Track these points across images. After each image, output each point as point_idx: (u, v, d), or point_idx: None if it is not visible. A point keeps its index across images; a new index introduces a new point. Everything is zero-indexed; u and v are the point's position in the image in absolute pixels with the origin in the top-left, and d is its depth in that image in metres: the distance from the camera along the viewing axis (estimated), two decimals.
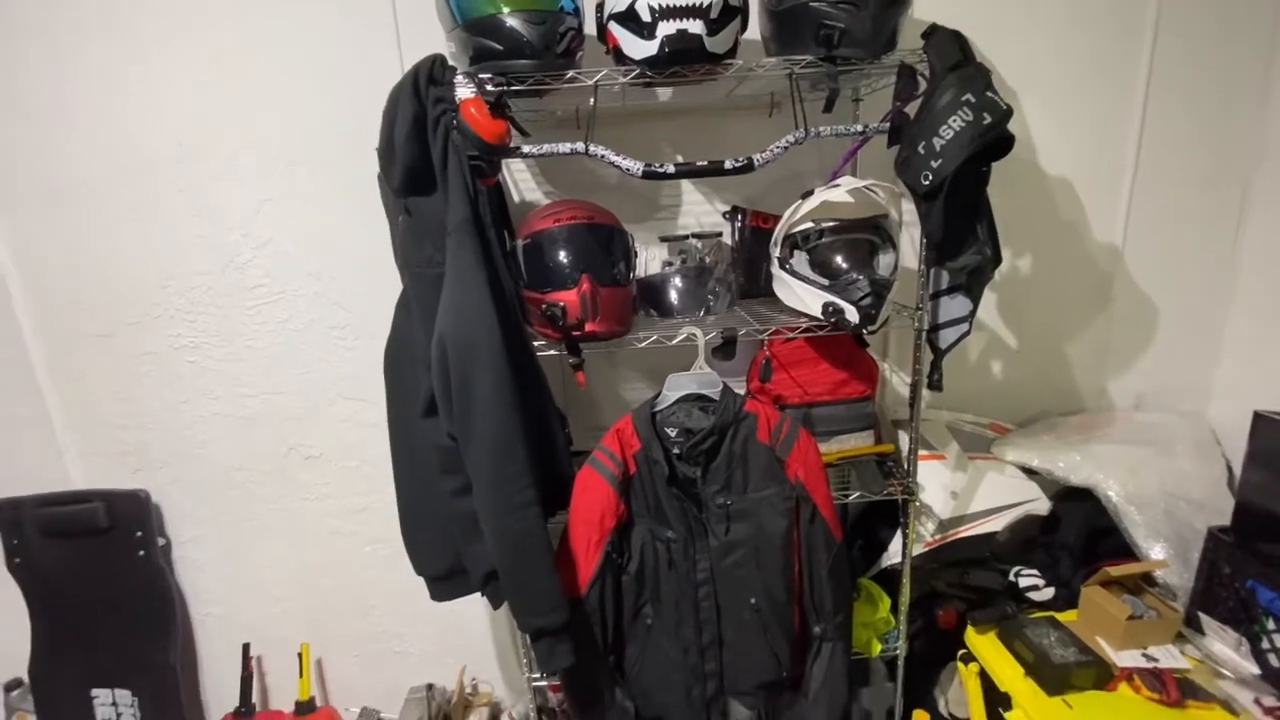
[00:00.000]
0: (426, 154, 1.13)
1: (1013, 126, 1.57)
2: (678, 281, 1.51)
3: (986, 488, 1.66)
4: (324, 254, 1.63)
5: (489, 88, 1.13)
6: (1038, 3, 1.56)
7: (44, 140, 1.56)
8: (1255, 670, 1.33)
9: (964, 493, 1.64)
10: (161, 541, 1.81)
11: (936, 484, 1.64)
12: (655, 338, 1.31)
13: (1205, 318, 1.78)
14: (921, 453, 1.68)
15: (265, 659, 1.95)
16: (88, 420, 1.74)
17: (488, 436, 1.10)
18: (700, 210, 1.68)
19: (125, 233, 1.61)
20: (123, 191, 1.59)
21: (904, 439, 1.71)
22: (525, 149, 1.22)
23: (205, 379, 1.73)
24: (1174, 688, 1.30)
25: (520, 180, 1.63)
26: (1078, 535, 1.71)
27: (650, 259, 1.65)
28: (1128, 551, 1.57)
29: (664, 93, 1.56)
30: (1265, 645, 1.32)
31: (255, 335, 1.69)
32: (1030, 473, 1.71)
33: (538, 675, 1.51)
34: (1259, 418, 1.32)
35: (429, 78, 1.11)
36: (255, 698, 1.89)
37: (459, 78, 1.14)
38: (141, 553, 1.75)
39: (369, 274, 1.60)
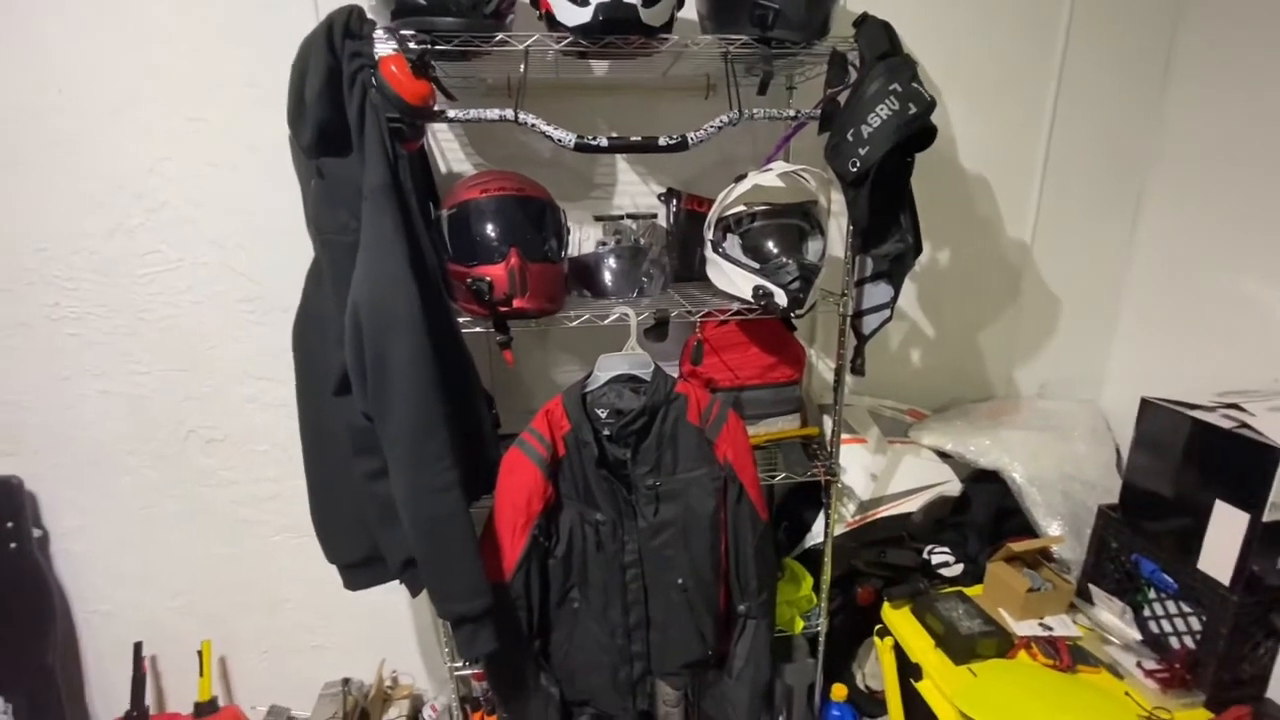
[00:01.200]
0: (341, 112, 1.05)
1: (936, 123, 1.62)
2: (611, 262, 1.48)
3: (904, 470, 1.74)
4: (229, 220, 1.51)
5: (411, 45, 1.06)
6: (956, 3, 1.61)
7: None
8: (1138, 636, 1.45)
9: (883, 475, 1.70)
10: (38, 533, 1.63)
11: (858, 466, 1.70)
12: (587, 317, 1.28)
13: (1101, 311, 1.92)
14: (845, 436, 1.74)
15: (161, 659, 1.80)
16: None
17: (405, 414, 1.04)
18: (636, 191, 1.65)
19: None
20: None
21: (828, 423, 1.76)
22: (451, 113, 1.16)
23: (90, 354, 1.56)
24: (1066, 654, 1.40)
25: (448, 150, 1.55)
26: (986, 515, 1.82)
27: (584, 239, 1.62)
28: (1030, 529, 1.68)
29: (599, 67, 1.52)
30: (1148, 613, 1.43)
31: (148, 307, 1.54)
32: (944, 456, 1.80)
33: (460, 664, 1.46)
34: (1145, 404, 1.43)
35: (345, 30, 1.04)
36: (150, 700, 1.75)
37: (379, 33, 1.07)
38: (13, 545, 1.58)
39: (280, 243, 1.48)
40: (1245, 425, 1.23)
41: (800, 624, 1.56)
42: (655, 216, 1.58)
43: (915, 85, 1.12)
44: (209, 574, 1.77)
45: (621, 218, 1.57)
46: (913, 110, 1.10)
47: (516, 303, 1.17)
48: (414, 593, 1.21)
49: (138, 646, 1.71)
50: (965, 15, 1.63)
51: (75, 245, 1.49)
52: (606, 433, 1.25)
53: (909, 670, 1.51)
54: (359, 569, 1.27)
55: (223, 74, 1.43)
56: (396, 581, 1.27)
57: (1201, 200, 1.68)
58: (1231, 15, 1.59)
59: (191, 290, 1.55)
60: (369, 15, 1.09)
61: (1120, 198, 1.82)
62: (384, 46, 1.07)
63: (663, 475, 1.28)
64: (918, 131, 1.16)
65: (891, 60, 1.14)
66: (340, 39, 1.03)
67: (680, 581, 1.29)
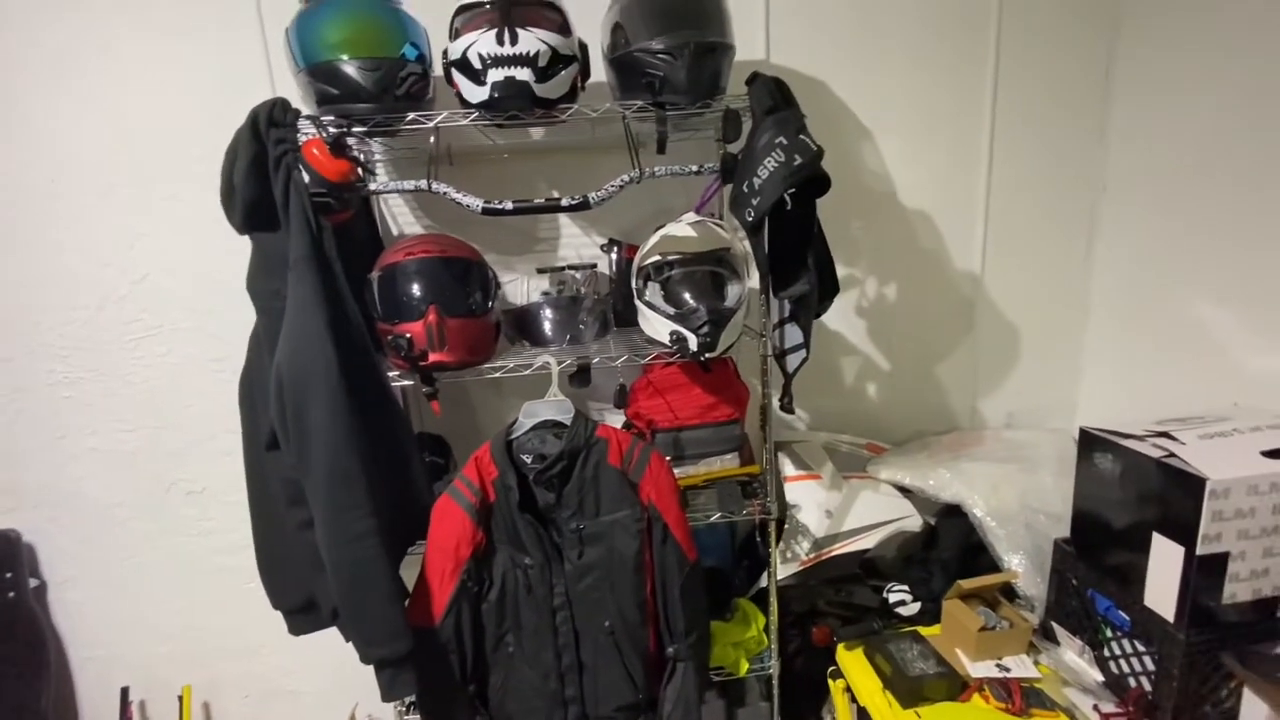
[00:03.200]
0: (268, 192, 1.16)
1: (869, 161, 1.69)
2: (548, 312, 1.55)
3: (860, 506, 1.72)
4: (201, 287, 1.65)
5: (330, 129, 1.18)
6: (884, 47, 1.67)
7: None
8: (1099, 678, 1.39)
9: (838, 511, 1.69)
10: (35, 583, 1.76)
11: (812, 503, 1.70)
12: (511, 366, 1.35)
13: (1064, 339, 1.89)
14: (798, 473, 1.74)
15: (149, 703, 1.89)
16: None
17: (323, 467, 1.11)
18: (579, 243, 1.74)
19: None
20: None
21: (784, 460, 1.77)
22: (373, 186, 1.26)
23: (82, 415, 1.71)
24: (1019, 697, 1.35)
25: (399, 214, 1.67)
26: (953, 551, 1.78)
27: (532, 290, 1.70)
28: (998, 567, 1.64)
29: (536, 132, 1.63)
30: (1108, 653, 1.38)
31: (133, 370, 1.69)
32: (904, 490, 1.77)
33: (404, 708, 1.50)
34: (1084, 433, 1.40)
35: (269, 119, 1.15)
36: None
37: (302, 120, 1.18)
38: (11, 594, 1.70)
39: (246, 306, 1.60)
40: (1173, 455, 1.20)
41: (745, 666, 1.54)
42: (595, 266, 1.65)
43: (802, 137, 1.17)
44: (192, 620, 1.86)
45: (564, 269, 1.65)
46: (798, 160, 1.15)
47: (434, 356, 1.25)
48: (346, 638, 1.26)
49: (124, 691, 1.80)
50: (892, 56, 1.68)
51: (69, 316, 1.65)
52: (530, 477, 1.30)
53: (864, 716, 1.48)
54: (300, 615, 1.34)
55: (191, 155, 1.58)
56: None
57: (1155, 221, 1.67)
58: (1167, 37, 1.60)
59: (170, 353, 1.69)
60: (294, 106, 1.21)
61: (1071, 223, 1.82)
62: (307, 131, 1.19)
63: (586, 518, 1.31)
64: (812, 178, 1.20)
65: (779, 114, 1.19)
66: (265, 127, 1.15)
67: (607, 624, 1.31)
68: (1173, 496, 1.18)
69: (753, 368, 1.76)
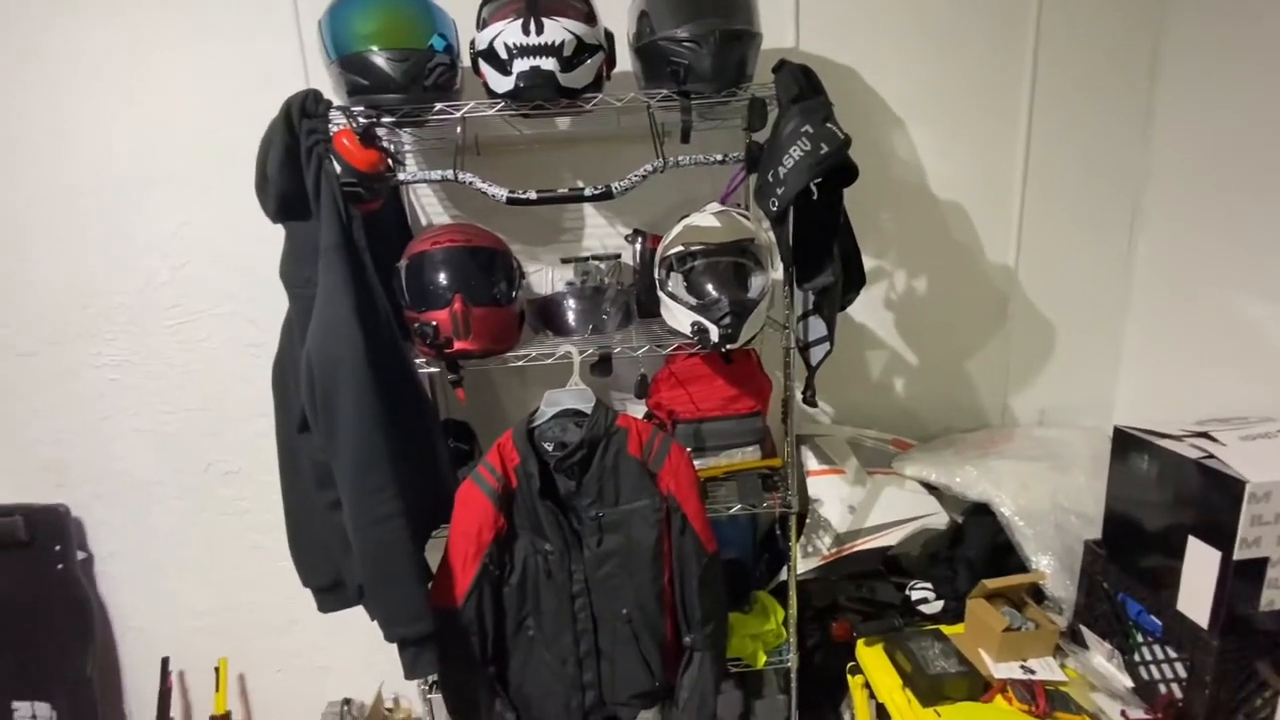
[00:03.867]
0: (300, 182, 1.19)
1: (900, 151, 1.65)
2: (571, 302, 1.56)
3: (884, 502, 1.70)
4: (239, 274, 1.70)
5: (360, 120, 1.20)
6: (917, 34, 1.63)
7: None
8: (1129, 683, 1.36)
9: (861, 507, 1.68)
10: (82, 555, 1.85)
11: (835, 498, 1.68)
12: (534, 355, 1.36)
13: (1103, 335, 1.83)
14: (821, 467, 1.73)
15: (188, 674, 1.98)
16: (8, 436, 1.79)
17: (350, 450, 1.14)
18: (604, 233, 1.74)
19: (45, 256, 1.68)
20: (42, 217, 1.66)
21: (807, 454, 1.75)
22: (401, 176, 1.28)
23: (126, 397, 1.78)
24: (1043, 699, 1.32)
25: (427, 204, 1.70)
26: (980, 550, 1.74)
27: (557, 280, 1.71)
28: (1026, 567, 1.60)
29: (562, 122, 1.63)
30: (1137, 658, 1.34)
31: (174, 354, 1.75)
32: (931, 488, 1.74)
33: (427, 688, 1.53)
34: (1118, 432, 1.36)
35: (301, 110, 1.18)
36: (177, 712, 1.91)
37: (333, 111, 1.21)
38: (60, 566, 1.79)
39: (281, 294, 1.64)
40: (1212, 456, 1.16)
41: (763, 658, 1.54)
42: (619, 256, 1.65)
43: (829, 125, 1.15)
44: (228, 596, 1.93)
45: (588, 259, 1.65)
46: (824, 150, 1.13)
47: (459, 344, 1.27)
48: (372, 617, 1.29)
49: (164, 661, 1.88)
50: (927, 43, 1.64)
51: (113, 301, 1.72)
52: (551, 464, 1.31)
53: (882, 713, 1.47)
54: (328, 593, 1.38)
55: (229, 147, 1.61)
56: None
57: (1200, 215, 1.60)
58: (1216, 26, 1.53)
59: (209, 338, 1.75)
60: (327, 97, 1.23)
61: (1113, 215, 1.76)
62: (338, 122, 1.21)
63: (605, 506, 1.32)
64: (839, 168, 1.18)
65: (806, 103, 1.18)
66: (298, 119, 1.18)
67: (625, 612, 1.32)
68: (1210, 499, 1.14)
69: (776, 360, 1.75)
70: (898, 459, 1.81)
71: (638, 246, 1.65)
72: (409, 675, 1.20)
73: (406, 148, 1.63)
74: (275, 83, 1.57)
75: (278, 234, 1.48)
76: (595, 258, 1.65)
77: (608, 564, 1.33)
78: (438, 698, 1.58)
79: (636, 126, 1.56)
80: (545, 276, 1.71)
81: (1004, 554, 1.70)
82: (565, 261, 1.67)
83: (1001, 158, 1.72)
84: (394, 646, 1.92)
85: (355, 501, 1.15)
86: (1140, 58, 1.66)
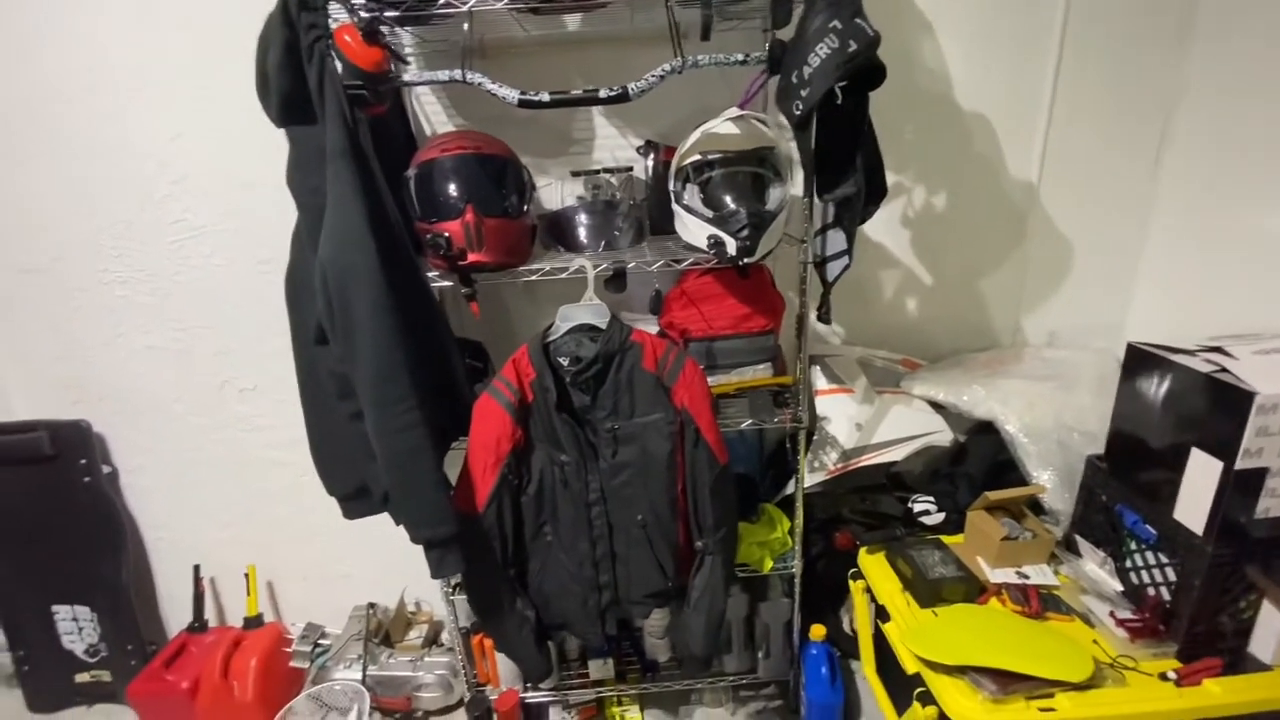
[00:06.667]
0: (303, 82, 1.13)
1: (926, 60, 1.57)
2: (583, 217, 1.53)
3: (891, 420, 1.73)
4: (242, 188, 1.65)
5: (361, 14, 1.13)
6: None
7: None
8: (1119, 587, 1.42)
9: (868, 424, 1.71)
10: (108, 469, 1.90)
11: (842, 415, 1.71)
12: (547, 269, 1.35)
13: (1119, 256, 1.80)
14: (829, 386, 1.75)
15: (218, 580, 2.07)
16: (23, 353, 1.80)
17: (369, 359, 1.15)
18: (615, 144, 1.68)
19: (41, 165, 1.63)
20: (34, 120, 1.59)
21: (816, 373, 1.77)
22: (406, 76, 1.22)
23: (137, 314, 1.77)
24: (1036, 601, 1.39)
25: (431, 112, 1.63)
26: (981, 467, 1.79)
27: (567, 194, 1.67)
28: (1026, 482, 1.65)
29: (571, 22, 1.54)
30: (1129, 564, 1.40)
31: (179, 270, 1.73)
32: (938, 406, 1.77)
33: (452, 589, 1.61)
34: (1131, 349, 1.36)
35: (300, 3, 1.11)
36: (211, 615, 2.02)
37: (332, 4, 1.14)
38: (87, 479, 1.84)
39: (289, 206, 1.61)
40: (1224, 369, 1.16)
41: (769, 563, 1.61)
42: (630, 169, 1.61)
43: (858, 21, 1.09)
44: (252, 508, 2.00)
45: (598, 172, 1.61)
46: (853, 47, 1.07)
47: (473, 256, 1.25)
48: (396, 521, 1.34)
49: (196, 569, 1.97)
50: None
51: (115, 217, 1.68)
52: (566, 379, 1.33)
53: (880, 613, 1.55)
54: (353, 500, 1.42)
55: (228, 51, 1.53)
56: None
57: (1231, 137, 1.54)
58: None
59: (215, 254, 1.72)
60: None
61: (1140, 135, 1.69)
62: (338, 16, 1.14)
63: (620, 419, 1.34)
64: (866, 69, 1.13)
65: None
66: (296, 12, 1.11)
67: (640, 518, 1.37)
68: (1217, 411, 1.16)
69: (788, 279, 1.73)
70: (906, 378, 1.83)
71: (650, 159, 1.60)
72: (435, 574, 1.26)
73: (408, 50, 1.55)
74: None
75: (279, 145, 1.42)
76: (606, 170, 1.60)
77: (623, 474, 1.36)
78: (460, 599, 1.66)
79: (650, 27, 1.49)
80: (555, 191, 1.67)
81: (1004, 470, 1.75)
82: (575, 175, 1.62)
83: (1031, 70, 1.64)
84: (418, 551, 2.05)
85: (377, 411, 1.17)
86: None
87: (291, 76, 1.13)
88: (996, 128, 1.69)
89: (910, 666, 1.29)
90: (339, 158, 1.13)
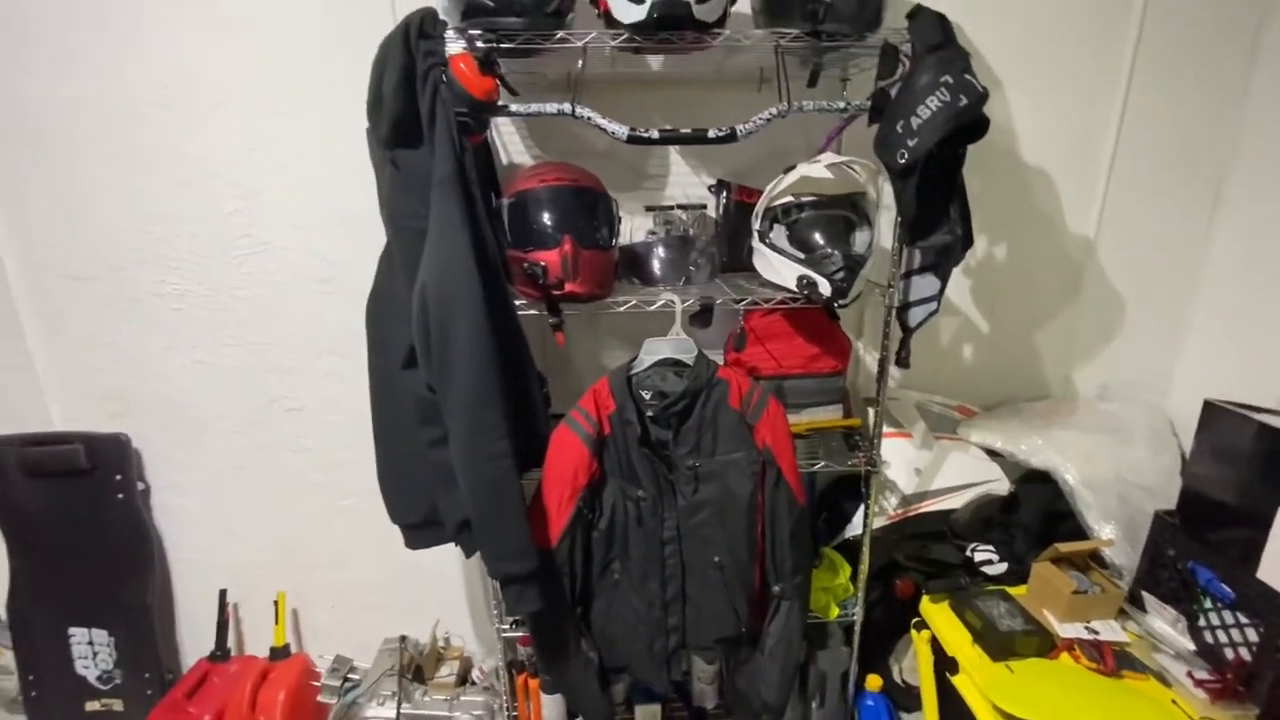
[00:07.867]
0: (414, 107, 1.14)
1: (994, 114, 1.60)
2: (660, 251, 1.53)
3: (950, 466, 1.72)
4: (309, 206, 1.64)
5: (478, 44, 1.14)
6: None
7: (22, 79, 1.55)
8: (1191, 646, 1.41)
9: (928, 470, 1.70)
10: (141, 486, 1.83)
11: (901, 460, 1.70)
12: (635, 302, 1.34)
13: (1169, 312, 1.84)
14: (889, 430, 1.74)
15: (242, 605, 1.99)
16: (70, 363, 1.75)
17: (465, 387, 1.13)
18: (687, 182, 1.70)
19: (107, 176, 1.60)
20: (105, 132, 1.57)
21: (872, 415, 1.76)
22: (514, 107, 1.23)
23: (189, 327, 1.74)
24: (1111, 658, 1.37)
25: (509, 142, 1.64)
26: (1035, 516, 1.79)
27: (636, 229, 1.68)
28: (1082, 534, 1.64)
29: (655, 62, 1.57)
30: (1203, 623, 1.39)
31: (240, 285, 1.70)
32: (993, 454, 1.77)
33: (507, 627, 1.56)
34: (1208, 406, 1.38)
35: (419, 31, 1.12)
36: (231, 642, 1.93)
37: (450, 32, 1.15)
38: (120, 495, 1.77)
39: (353, 227, 1.60)
40: None
41: (835, 610, 1.58)
42: (705, 207, 1.62)
43: (967, 77, 1.12)
44: (286, 531, 1.93)
45: (672, 208, 1.62)
46: (964, 102, 1.10)
47: (569, 286, 1.25)
48: (468, 554, 1.30)
49: (223, 593, 1.89)
50: (1025, 4, 1.59)
51: (178, 228, 1.66)
52: (650, 414, 1.31)
53: (945, 665, 1.51)
54: (418, 530, 1.38)
55: (306, 70, 1.55)
56: (452, 545, 1.37)
57: None
58: None
59: (278, 271, 1.70)
60: (442, 16, 1.17)
61: (1196, 191, 1.74)
62: (454, 45, 1.15)
63: (702, 456, 1.32)
64: (969, 123, 1.16)
65: (944, 52, 1.14)
66: (415, 39, 1.12)
67: (716, 559, 1.34)
68: None
69: (849, 321, 1.75)
70: (963, 425, 1.83)
71: (723, 198, 1.61)
72: (511, 611, 1.22)
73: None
74: (358, 5, 1.50)
75: (353, 167, 1.42)
76: (680, 207, 1.61)
77: (701, 513, 1.34)
78: (512, 636, 1.60)
79: (734, 70, 1.52)
80: (626, 224, 1.67)
81: (1057, 521, 1.75)
82: (649, 210, 1.63)
83: (1094, 128, 1.69)
84: (452, 585, 1.99)
85: (468, 439, 1.14)
86: (1243, 34, 1.62)
87: (405, 99, 1.13)
88: (1057, 182, 1.73)
89: None
90: (447, 183, 1.13)
